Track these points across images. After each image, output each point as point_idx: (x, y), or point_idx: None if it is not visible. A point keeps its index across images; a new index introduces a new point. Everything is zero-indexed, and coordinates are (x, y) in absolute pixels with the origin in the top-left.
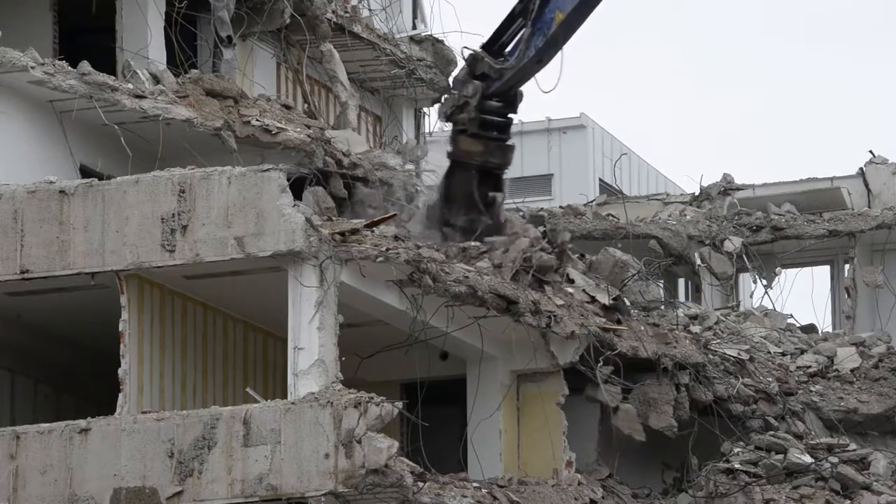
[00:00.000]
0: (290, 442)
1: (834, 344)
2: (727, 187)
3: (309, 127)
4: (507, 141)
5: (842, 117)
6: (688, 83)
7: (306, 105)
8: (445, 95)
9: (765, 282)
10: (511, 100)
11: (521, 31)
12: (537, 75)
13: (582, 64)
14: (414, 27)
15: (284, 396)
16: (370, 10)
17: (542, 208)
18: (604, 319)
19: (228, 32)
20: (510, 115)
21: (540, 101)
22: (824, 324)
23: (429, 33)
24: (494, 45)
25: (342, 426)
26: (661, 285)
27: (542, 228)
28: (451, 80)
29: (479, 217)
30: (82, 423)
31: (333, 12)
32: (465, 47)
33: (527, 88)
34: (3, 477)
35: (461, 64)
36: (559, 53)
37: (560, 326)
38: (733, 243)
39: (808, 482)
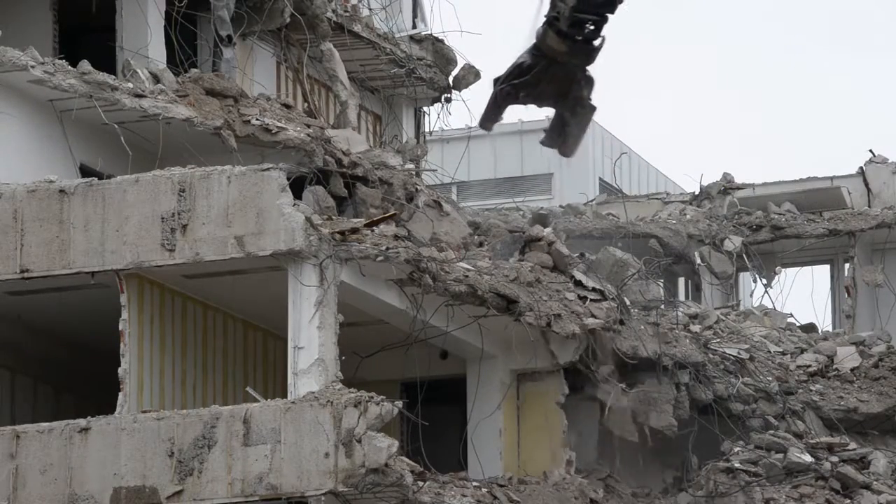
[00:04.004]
0: (290, 441)
1: (834, 343)
2: (727, 186)
3: (309, 126)
4: (595, 41)
5: (842, 117)
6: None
7: (306, 104)
8: None
9: (765, 281)
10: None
11: None
12: None
13: None
14: (414, 26)
15: (284, 396)
16: (370, 9)
17: (542, 207)
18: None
19: (228, 31)
20: (607, 15)
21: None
22: (824, 323)
23: (429, 32)
24: None
25: (342, 425)
26: (661, 284)
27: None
28: None
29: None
30: (82, 422)
31: (333, 11)
32: None
33: None
34: (3, 476)
35: (461, 63)
36: None
37: (560, 325)
38: (733, 242)
39: (808, 481)
